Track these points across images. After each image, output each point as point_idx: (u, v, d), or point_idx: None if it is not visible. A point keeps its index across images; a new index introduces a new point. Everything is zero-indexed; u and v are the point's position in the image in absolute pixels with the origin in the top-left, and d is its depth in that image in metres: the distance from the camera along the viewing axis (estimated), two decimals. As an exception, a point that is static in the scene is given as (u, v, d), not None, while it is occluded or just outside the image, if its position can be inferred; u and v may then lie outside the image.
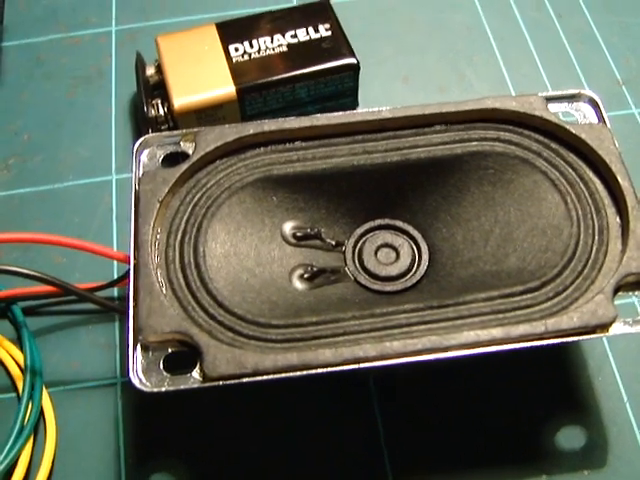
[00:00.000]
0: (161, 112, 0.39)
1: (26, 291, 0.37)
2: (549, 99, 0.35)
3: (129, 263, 0.32)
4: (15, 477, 0.32)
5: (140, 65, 0.41)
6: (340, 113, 0.34)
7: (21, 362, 0.36)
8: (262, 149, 0.34)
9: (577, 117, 0.35)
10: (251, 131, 0.33)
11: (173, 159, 0.34)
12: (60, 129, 0.43)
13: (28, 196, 0.41)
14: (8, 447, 0.33)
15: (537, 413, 0.34)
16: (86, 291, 0.35)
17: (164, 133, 0.34)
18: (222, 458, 0.34)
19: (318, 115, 0.34)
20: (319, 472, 0.33)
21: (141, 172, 0.33)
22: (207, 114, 0.39)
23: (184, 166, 0.33)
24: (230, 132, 0.33)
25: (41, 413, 0.35)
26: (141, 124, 0.41)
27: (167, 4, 0.48)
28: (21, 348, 0.36)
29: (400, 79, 0.44)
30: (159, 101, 0.39)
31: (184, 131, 0.34)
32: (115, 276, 0.38)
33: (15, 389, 0.36)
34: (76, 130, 0.43)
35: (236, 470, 0.33)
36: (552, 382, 0.35)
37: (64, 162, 0.42)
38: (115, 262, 0.38)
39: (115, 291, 0.38)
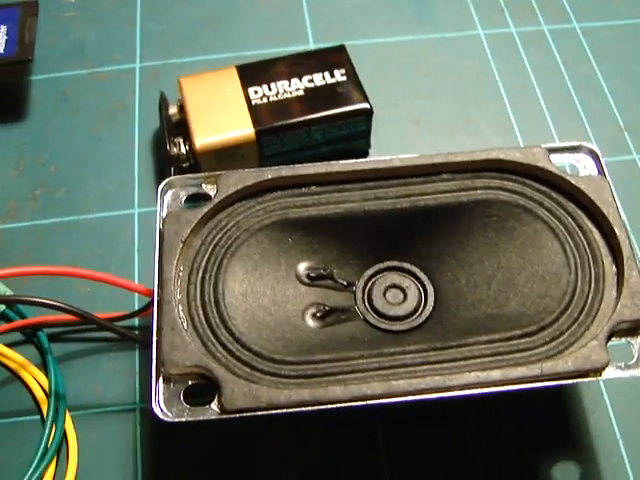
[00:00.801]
0: (182, 150, 0.41)
1: (51, 319, 0.39)
2: (551, 150, 0.37)
3: (151, 297, 0.34)
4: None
5: (163, 104, 0.43)
6: (353, 161, 0.36)
7: (46, 386, 0.38)
8: (279, 193, 0.36)
9: (578, 168, 0.37)
10: (269, 176, 0.35)
11: (195, 199, 0.36)
12: (85, 162, 0.45)
13: (54, 226, 0.43)
14: (33, 468, 0.35)
15: (534, 448, 0.36)
16: (107, 320, 0.37)
17: (187, 175, 0.36)
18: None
19: (332, 162, 0.36)
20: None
21: (165, 212, 0.35)
22: (227, 153, 0.41)
23: (206, 208, 0.35)
24: (250, 176, 0.35)
25: (64, 436, 0.37)
26: (163, 161, 0.43)
27: (188, 43, 0.50)
28: (46, 373, 0.38)
29: (411, 122, 0.46)
30: (181, 140, 0.41)
31: (206, 174, 0.36)
32: (136, 306, 0.40)
33: (39, 412, 0.38)
34: (100, 164, 0.45)
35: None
36: (548, 419, 0.37)
37: (88, 194, 0.44)
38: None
39: (136, 321, 0.39)
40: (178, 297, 0.33)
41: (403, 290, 0.36)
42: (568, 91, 0.48)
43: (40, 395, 0.38)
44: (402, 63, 0.49)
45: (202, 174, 0.36)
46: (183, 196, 0.36)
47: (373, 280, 0.36)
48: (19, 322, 0.40)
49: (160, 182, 0.41)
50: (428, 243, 0.36)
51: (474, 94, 0.48)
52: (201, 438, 0.36)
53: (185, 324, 0.32)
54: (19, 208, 0.44)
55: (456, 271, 0.36)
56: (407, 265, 0.36)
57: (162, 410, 0.31)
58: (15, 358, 0.39)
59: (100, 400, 0.38)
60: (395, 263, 0.37)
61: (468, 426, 0.36)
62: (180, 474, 0.36)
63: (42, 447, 0.36)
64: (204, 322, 0.33)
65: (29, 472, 0.35)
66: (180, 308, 0.33)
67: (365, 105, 0.42)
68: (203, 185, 0.36)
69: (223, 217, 0.35)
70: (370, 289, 0.36)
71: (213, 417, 0.31)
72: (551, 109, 0.47)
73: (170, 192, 0.36)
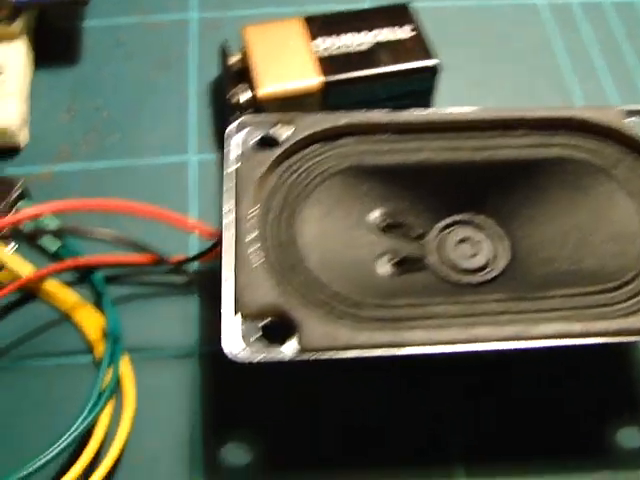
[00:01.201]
0: (245, 99, 0.40)
1: (107, 259, 0.38)
2: (628, 112, 0.36)
3: (214, 238, 0.34)
4: (94, 439, 0.33)
5: (225, 52, 0.42)
6: (431, 110, 0.35)
7: (100, 328, 0.37)
8: (354, 138, 0.35)
9: (652, 131, 0.36)
10: (345, 121, 0.35)
11: (266, 142, 0.35)
12: (139, 109, 0.44)
13: (107, 171, 0.42)
14: (87, 410, 0.34)
15: (600, 411, 0.35)
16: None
17: (260, 115, 0.35)
18: (297, 432, 0.35)
19: (409, 110, 0.35)
20: (390, 449, 0.34)
21: (237, 153, 0.34)
22: (290, 103, 0.40)
23: (280, 149, 0.34)
24: (325, 120, 0.35)
25: (119, 379, 0.35)
26: (224, 110, 0.42)
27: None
28: (101, 314, 0.37)
29: (472, 85, 0.45)
30: (243, 88, 0.40)
31: (280, 115, 0.35)
32: (190, 250, 0.39)
33: (93, 354, 0.37)
34: (154, 111, 0.44)
35: (309, 444, 0.34)
36: (613, 382, 0.36)
37: (142, 141, 0.43)
38: (192, 237, 0.39)
39: (195, 265, 0.38)
40: (252, 236, 0.32)
41: (475, 244, 0.35)
42: (629, 64, 0.47)
43: (94, 336, 0.37)
44: (465, 27, 0.48)
45: (276, 115, 0.35)
46: (255, 137, 0.35)
47: (445, 232, 0.36)
48: (74, 261, 0.38)
49: (218, 130, 0.41)
50: (502, 198, 0.36)
51: (534, 63, 0.47)
52: (262, 382, 0.35)
53: (259, 263, 0.31)
54: (71, 151, 0.43)
55: (530, 227, 0.35)
56: (480, 219, 0.36)
57: (234, 350, 0.30)
58: (70, 298, 0.38)
59: (157, 344, 0.37)
60: (468, 216, 0.36)
61: (530, 387, 0.36)
62: (240, 421, 0.35)
63: (97, 389, 0.34)
64: (278, 262, 0.32)
65: (83, 414, 0.33)
66: (254, 247, 0.32)
67: (433, 62, 0.41)
68: (276, 127, 0.35)
69: (297, 159, 0.34)
70: (442, 241, 0.35)
71: (289, 358, 0.30)
72: (612, 81, 0.46)
73: (242, 132, 0.35)
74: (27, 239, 0.38)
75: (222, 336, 0.30)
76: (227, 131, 0.35)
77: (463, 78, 0.46)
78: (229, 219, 0.32)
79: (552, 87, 0.46)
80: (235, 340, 0.30)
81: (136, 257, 0.37)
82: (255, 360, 0.29)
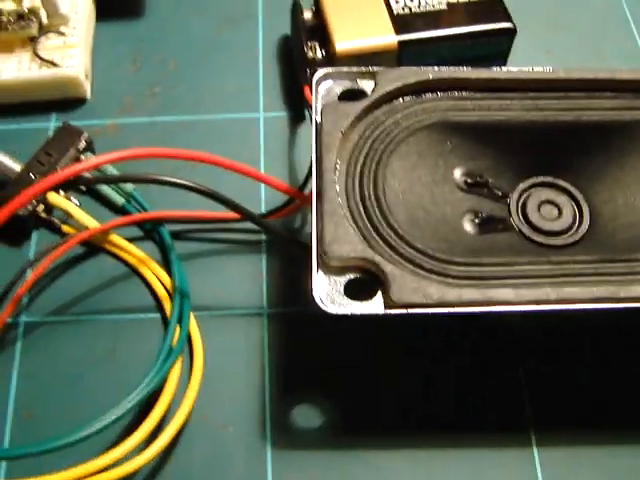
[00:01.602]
0: (319, 55, 0.40)
1: (174, 214, 0.38)
2: None
3: (289, 194, 0.34)
4: (163, 397, 0.33)
5: (298, 8, 0.41)
6: (517, 69, 0.34)
7: (167, 284, 0.36)
8: (439, 94, 0.34)
9: None
10: (430, 76, 0.34)
11: (349, 95, 0.34)
12: (206, 63, 0.44)
13: (172, 125, 0.42)
14: (157, 367, 0.33)
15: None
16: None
17: (344, 68, 0.34)
18: (364, 394, 0.34)
19: (495, 68, 0.34)
20: (460, 413, 0.34)
21: (321, 104, 0.33)
22: (365, 60, 0.39)
23: (365, 102, 0.33)
24: (410, 74, 0.34)
25: (188, 336, 0.35)
26: (297, 66, 0.41)
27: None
28: (167, 271, 0.37)
29: (543, 52, 0.45)
30: (317, 44, 0.40)
31: (364, 68, 0.34)
32: (261, 206, 0.38)
33: (161, 310, 0.36)
34: (222, 66, 0.44)
35: (377, 406, 0.34)
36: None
37: (210, 95, 0.43)
38: (261, 193, 0.38)
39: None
40: (337, 188, 0.31)
41: (558, 206, 0.35)
42: None
43: (162, 293, 0.36)
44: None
45: (360, 68, 0.34)
46: (338, 90, 0.34)
47: (527, 193, 0.35)
48: (141, 215, 0.38)
49: (287, 89, 0.40)
50: (586, 160, 0.35)
51: (605, 30, 0.46)
52: (329, 349, 0.35)
53: (346, 216, 0.31)
54: (136, 103, 0.42)
55: (613, 191, 0.35)
56: (562, 182, 0.35)
57: (324, 302, 0.29)
58: (136, 253, 0.37)
59: (225, 303, 0.36)
60: (550, 179, 0.35)
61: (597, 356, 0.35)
62: (308, 382, 0.35)
63: (166, 346, 0.34)
64: (364, 216, 0.31)
65: (154, 371, 0.33)
66: (340, 200, 0.31)
67: (509, 24, 0.40)
68: (359, 80, 0.34)
69: (381, 113, 0.34)
70: (525, 202, 0.35)
71: (379, 312, 0.29)
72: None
73: (325, 84, 0.34)
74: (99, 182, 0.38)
75: (312, 289, 0.29)
76: (313, 82, 0.34)
77: (536, 45, 0.45)
78: (316, 170, 0.32)
79: (622, 56, 0.45)
80: (323, 293, 0.29)
81: (204, 213, 0.36)
82: (348, 313, 0.29)
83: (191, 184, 0.33)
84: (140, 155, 0.34)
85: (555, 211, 0.34)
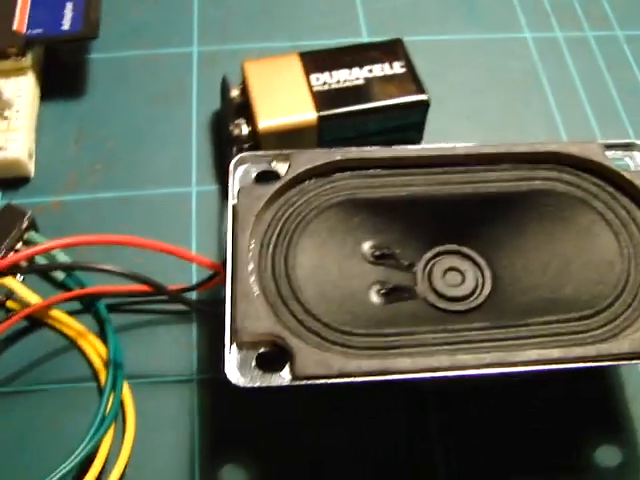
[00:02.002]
0: (244, 132, 0.42)
1: (110, 289, 0.40)
2: (606, 146, 0.38)
3: (213, 269, 0.36)
4: (96, 462, 0.35)
5: (226, 86, 0.44)
6: (419, 146, 0.37)
7: (104, 355, 0.39)
8: (348, 173, 0.37)
9: (630, 164, 0.38)
10: (339, 157, 0.37)
11: (264, 177, 0.37)
12: (143, 141, 0.46)
13: (112, 201, 0.44)
14: (90, 435, 0.35)
15: (577, 430, 0.37)
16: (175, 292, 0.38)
17: (259, 152, 0.37)
18: (291, 457, 0.37)
19: (399, 147, 0.37)
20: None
21: (237, 187, 0.36)
22: (288, 137, 0.42)
23: (277, 184, 0.36)
24: (320, 156, 0.37)
25: (121, 404, 0.37)
26: (224, 142, 0.44)
27: (245, 30, 0.51)
28: (104, 342, 0.39)
29: (462, 117, 0.47)
30: (243, 121, 0.43)
31: (278, 152, 0.37)
32: (193, 280, 0.41)
33: (97, 380, 0.38)
34: (158, 142, 0.46)
35: (301, 467, 0.36)
36: (591, 403, 0.38)
37: (146, 171, 0.45)
38: (193, 266, 0.41)
39: (194, 294, 0.40)
40: (250, 268, 0.34)
41: (461, 273, 0.37)
42: (611, 95, 0.49)
43: (98, 364, 0.39)
44: (452, 61, 0.50)
45: (273, 152, 0.37)
46: (253, 172, 0.37)
47: (433, 262, 0.37)
48: (79, 291, 0.40)
49: (218, 162, 0.43)
50: (487, 229, 0.37)
51: (521, 94, 0.49)
52: (258, 410, 0.37)
53: (257, 294, 0.33)
54: (79, 181, 0.44)
55: (513, 257, 0.37)
56: (466, 249, 0.38)
57: (235, 376, 0.32)
58: (74, 326, 0.40)
59: (157, 371, 0.39)
60: (454, 247, 0.38)
61: (514, 409, 0.38)
62: (237, 446, 0.37)
63: (100, 415, 0.36)
64: (275, 293, 0.34)
65: (86, 439, 0.35)
66: (252, 279, 0.34)
67: (423, 97, 0.43)
68: (274, 163, 0.37)
69: (293, 194, 0.36)
70: (430, 270, 0.37)
71: (285, 383, 0.32)
72: (595, 112, 0.48)
73: (242, 168, 0.37)
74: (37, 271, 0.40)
75: (224, 363, 0.32)
76: (230, 166, 0.37)
77: (454, 111, 0.48)
78: (231, 251, 0.34)
79: (538, 118, 0.48)
80: (235, 367, 0.32)
81: (139, 286, 0.39)
82: (255, 385, 0.31)
83: (113, 269, 0.36)
84: (81, 242, 0.37)
85: (459, 277, 0.37)
